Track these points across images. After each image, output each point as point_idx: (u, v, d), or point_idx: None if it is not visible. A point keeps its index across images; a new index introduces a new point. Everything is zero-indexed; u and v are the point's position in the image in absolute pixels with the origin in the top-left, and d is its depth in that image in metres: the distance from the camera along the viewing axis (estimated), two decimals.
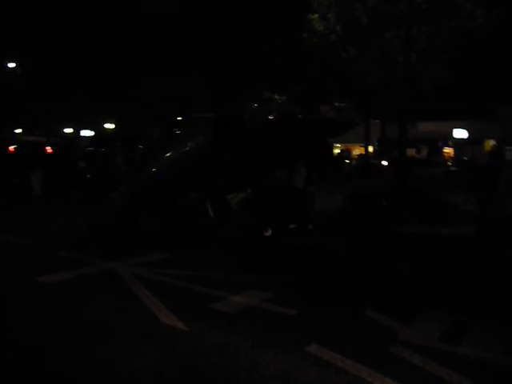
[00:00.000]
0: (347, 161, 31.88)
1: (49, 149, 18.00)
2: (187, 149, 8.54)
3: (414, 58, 13.35)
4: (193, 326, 4.65)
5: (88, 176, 16.71)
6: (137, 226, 9.13)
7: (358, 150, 42.12)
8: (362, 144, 41.19)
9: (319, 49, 19.05)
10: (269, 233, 9.16)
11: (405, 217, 11.02)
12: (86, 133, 46.33)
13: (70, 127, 47.72)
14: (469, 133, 45.73)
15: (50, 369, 3.84)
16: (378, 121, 31.10)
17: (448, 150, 49.93)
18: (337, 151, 31.33)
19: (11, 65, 35.86)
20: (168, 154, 8.94)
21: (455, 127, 45.73)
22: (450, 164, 44.18)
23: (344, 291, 5.99)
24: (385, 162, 30.75)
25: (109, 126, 47.03)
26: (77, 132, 46.31)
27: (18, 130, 39.89)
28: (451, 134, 46.38)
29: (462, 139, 46.80)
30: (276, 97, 7.50)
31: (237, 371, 3.78)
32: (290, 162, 9.50)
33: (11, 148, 20.04)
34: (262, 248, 8.44)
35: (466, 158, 41.10)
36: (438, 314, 5.21)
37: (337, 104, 7.96)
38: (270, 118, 7.21)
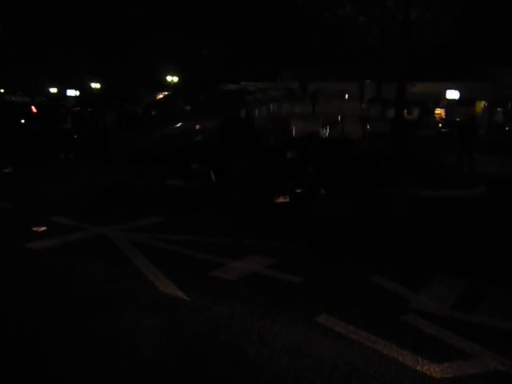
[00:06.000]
0: None
1: (33, 109, 17.33)
2: (196, 126, 8.53)
3: (416, 13, 12.80)
4: (193, 295, 4.39)
5: (75, 137, 16.19)
6: (134, 188, 8.85)
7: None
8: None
9: (314, 5, 18.32)
10: (282, 199, 8.75)
11: (403, 179, 10.80)
12: (72, 92, 45.23)
13: (54, 87, 46.44)
14: (460, 93, 45.33)
15: (40, 348, 3.56)
16: (368, 81, 30.53)
17: (439, 111, 49.60)
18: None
19: None
20: (178, 126, 8.82)
21: (447, 88, 45.26)
22: (440, 125, 43.99)
23: (349, 256, 5.76)
24: None
25: (95, 85, 45.83)
26: (62, 92, 45.13)
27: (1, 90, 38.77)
28: (443, 95, 45.93)
29: (454, 100, 46.45)
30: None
31: (244, 346, 3.53)
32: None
33: None
34: (263, 212, 8.13)
35: (457, 119, 40.89)
36: (450, 279, 5.00)
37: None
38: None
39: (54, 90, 46.33)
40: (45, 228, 6.63)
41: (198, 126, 8.49)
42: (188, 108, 8.70)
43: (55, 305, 4.24)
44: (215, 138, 8.22)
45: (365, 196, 9.49)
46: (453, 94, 46.32)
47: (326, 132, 9.47)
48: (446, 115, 47.58)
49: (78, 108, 21.98)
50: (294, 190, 9.10)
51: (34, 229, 6.58)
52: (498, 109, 42.21)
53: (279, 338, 3.66)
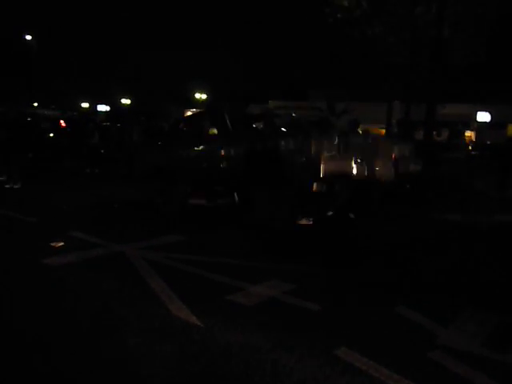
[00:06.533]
0: None
1: (62, 122, 17.59)
2: (223, 147, 8.46)
3: (447, 32, 12.56)
4: (207, 321, 4.19)
5: (102, 152, 16.32)
6: (154, 206, 8.75)
7: (377, 132, 41.20)
8: (382, 125, 40.35)
9: (343, 25, 18.26)
10: (305, 221, 8.50)
11: (431, 202, 10.46)
12: (103, 108, 46.10)
13: (86, 102, 47.46)
14: (491, 116, 44.50)
15: (47, 369, 3.41)
16: (397, 101, 30.18)
17: (469, 134, 48.70)
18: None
19: (28, 37, 35.48)
20: (209, 146, 8.68)
21: (478, 110, 44.50)
22: (470, 148, 43.13)
23: (372, 284, 5.49)
24: None
25: (125, 101, 46.67)
26: (93, 107, 46.05)
27: (34, 104, 39.69)
28: (473, 117, 45.15)
29: (485, 122, 45.60)
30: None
31: (257, 379, 3.31)
32: None
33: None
34: (285, 235, 7.91)
35: (488, 142, 40.07)
36: (480, 314, 4.68)
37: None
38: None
39: (85, 105, 47.33)
40: (62, 243, 6.56)
41: (222, 152, 8.32)
42: (214, 130, 8.54)
43: (63, 325, 4.10)
44: (240, 167, 8.03)
45: (391, 219, 9.19)
46: (484, 117, 45.52)
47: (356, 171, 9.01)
48: (476, 138, 46.81)
49: (108, 123, 22.27)
50: (319, 213, 8.87)
51: (52, 244, 6.52)
52: None
53: (294, 372, 3.43)
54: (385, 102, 30.11)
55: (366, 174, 8.53)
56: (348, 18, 17.59)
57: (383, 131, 40.24)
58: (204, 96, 49.26)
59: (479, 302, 5.02)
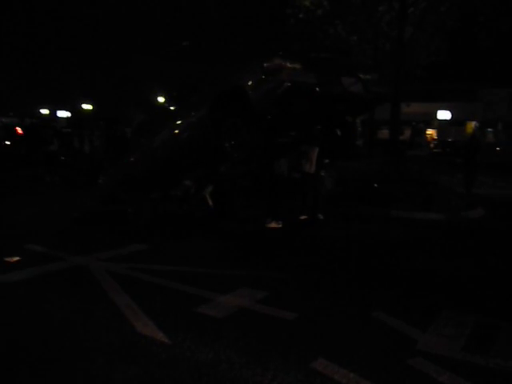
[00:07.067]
0: None
1: (19, 129, 16.89)
2: (182, 128, 7.48)
3: (410, 31, 12.59)
4: (175, 337, 3.91)
5: (62, 159, 15.72)
6: (121, 216, 8.34)
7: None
8: None
9: (305, 25, 18.18)
10: (275, 224, 8.25)
11: (398, 201, 10.41)
12: (63, 114, 44.90)
13: (45, 108, 46.11)
14: (452, 114, 45.53)
15: None
16: None
17: (430, 132, 49.72)
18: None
19: None
20: (162, 136, 7.85)
21: (439, 108, 45.47)
22: (432, 146, 43.99)
23: (347, 288, 5.32)
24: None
25: (86, 106, 45.54)
26: (53, 113, 44.79)
27: None
28: (434, 115, 46.10)
29: (445, 120, 46.63)
30: (288, 64, 6.22)
31: None
32: (304, 145, 8.57)
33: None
34: (255, 238, 7.69)
35: (449, 140, 40.92)
36: (456, 315, 4.56)
37: (362, 75, 6.92)
38: (280, 91, 6.03)
39: (45, 111, 45.96)
40: (18, 258, 6.13)
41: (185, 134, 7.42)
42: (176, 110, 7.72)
43: (17, 347, 3.74)
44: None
45: (359, 220, 9.09)
46: (444, 115, 46.53)
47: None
48: (437, 135, 47.79)
49: (69, 130, 21.58)
50: (287, 215, 8.67)
51: (6, 259, 6.07)
52: (489, 129, 42.38)
53: None
54: None
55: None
56: (310, 18, 17.53)
57: None
58: None
59: (453, 303, 4.91)
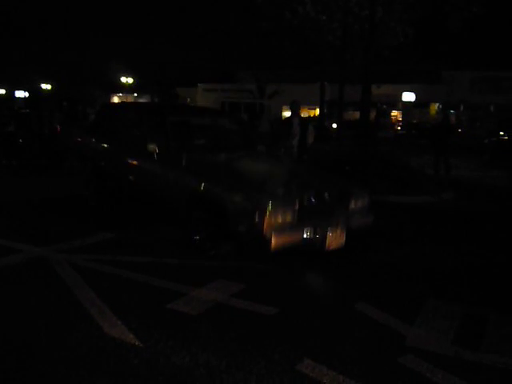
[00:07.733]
0: None
1: None
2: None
3: (381, 12, 12.35)
4: (147, 338, 3.57)
5: (20, 141, 14.91)
6: (84, 201, 7.87)
7: (306, 113, 41.40)
8: (312, 106, 40.55)
9: (273, 4, 17.78)
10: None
11: (372, 184, 10.26)
12: (21, 94, 43.23)
13: (2, 88, 44.27)
14: (416, 96, 46.06)
15: None
16: (326, 83, 30.31)
17: (395, 113, 50.23)
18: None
19: None
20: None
21: (403, 90, 45.90)
22: (398, 128, 44.45)
23: (326, 279, 5.08)
24: (334, 125, 30.28)
25: (46, 86, 43.91)
26: (10, 93, 43.04)
27: None
28: (399, 97, 46.54)
29: (410, 102, 47.19)
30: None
31: None
32: None
33: None
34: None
35: (414, 121, 41.38)
36: (442, 306, 4.39)
37: None
38: None
39: (1, 92, 44.11)
40: None
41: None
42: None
43: None
44: None
45: None
46: (409, 97, 47.05)
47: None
48: (402, 117, 48.34)
49: (27, 110, 20.54)
50: None
51: None
52: (451, 111, 43.08)
53: None
54: (316, 82, 30.13)
55: None
56: None
57: (315, 112, 40.49)
58: (130, 80, 47.27)
59: (438, 292, 4.74)
